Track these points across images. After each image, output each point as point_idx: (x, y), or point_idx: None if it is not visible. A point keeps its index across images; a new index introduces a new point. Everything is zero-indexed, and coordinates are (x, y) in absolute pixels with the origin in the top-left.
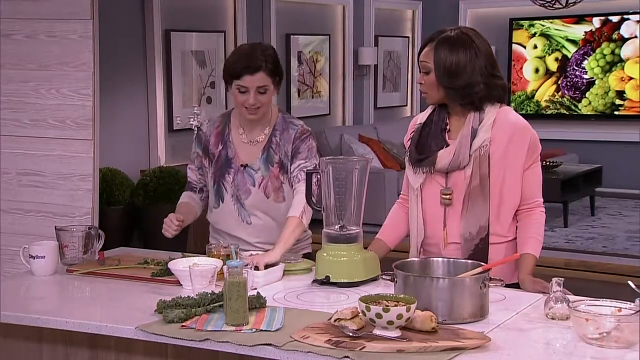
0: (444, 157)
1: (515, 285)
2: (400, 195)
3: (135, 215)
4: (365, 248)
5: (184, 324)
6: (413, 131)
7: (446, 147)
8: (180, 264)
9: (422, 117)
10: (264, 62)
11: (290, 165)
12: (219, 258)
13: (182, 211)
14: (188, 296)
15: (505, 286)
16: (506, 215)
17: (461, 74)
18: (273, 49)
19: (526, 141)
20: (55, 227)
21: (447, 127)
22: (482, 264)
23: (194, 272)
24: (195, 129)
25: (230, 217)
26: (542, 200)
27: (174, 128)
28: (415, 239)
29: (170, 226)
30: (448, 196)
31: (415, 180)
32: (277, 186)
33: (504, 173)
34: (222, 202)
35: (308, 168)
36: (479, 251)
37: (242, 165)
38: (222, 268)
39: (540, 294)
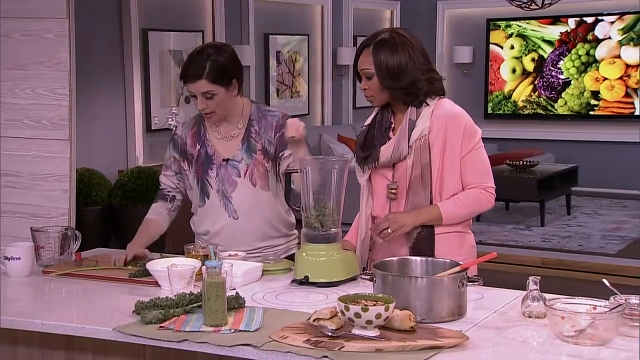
0: (386, 151)
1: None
2: None
3: (113, 215)
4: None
5: (162, 324)
6: (359, 134)
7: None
8: (159, 265)
9: (368, 120)
10: (206, 69)
11: (281, 153)
12: (197, 258)
13: (148, 232)
14: (166, 297)
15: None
16: None
17: (404, 74)
18: (225, 52)
19: (461, 128)
20: (31, 228)
21: (392, 126)
22: (460, 262)
23: (172, 273)
24: (174, 128)
25: (216, 213)
26: (489, 185)
27: (152, 128)
28: (362, 235)
29: (120, 262)
30: (393, 191)
31: (362, 177)
32: (262, 172)
33: (443, 161)
34: (208, 198)
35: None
36: (422, 239)
37: (224, 160)
38: (200, 268)
39: (519, 293)
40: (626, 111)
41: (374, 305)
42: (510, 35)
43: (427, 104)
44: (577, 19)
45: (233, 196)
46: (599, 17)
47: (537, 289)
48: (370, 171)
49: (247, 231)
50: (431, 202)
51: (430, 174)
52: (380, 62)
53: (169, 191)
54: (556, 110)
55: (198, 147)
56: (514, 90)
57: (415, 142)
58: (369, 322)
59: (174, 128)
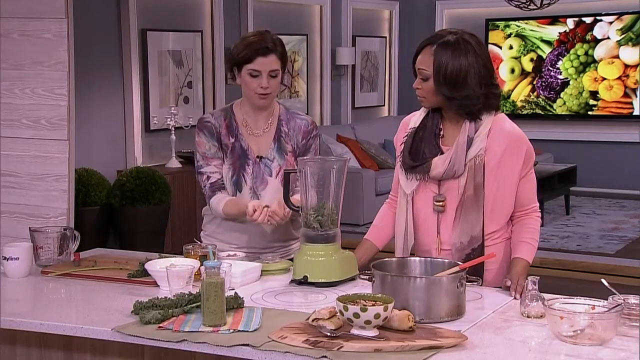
0: (438, 165)
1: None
2: (390, 196)
3: (112, 215)
4: (352, 248)
5: (160, 325)
6: (406, 135)
7: (440, 154)
8: (157, 265)
9: (415, 120)
10: (275, 45)
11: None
12: (196, 258)
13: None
14: (165, 297)
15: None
16: (499, 220)
17: (462, 84)
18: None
19: (522, 151)
20: (29, 228)
21: (441, 133)
22: (459, 263)
23: (171, 273)
24: (172, 128)
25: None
26: (537, 205)
27: (151, 128)
28: (402, 242)
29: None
30: (441, 203)
31: (408, 186)
32: (293, 174)
33: (499, 182)
34: (240, 192)
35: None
36: (475, 255)
37: (258, 157)
38: (199, 268)
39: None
40: (625, 111)
41: (373, 305)
42: (509, 36)
43: (480, 119)
44: (576, 19)
45: (263, 194)
46: (598, 17)
47: (535, 289)
48: (418, 182)
49: (271, 230)
50: (483, 221)
51: (484, 194)
52: (440, 65)
53: (222, 181)
54: (555, 110)
55: (232, 139)
56: (512, 90)
57: (471, 161)
58: (368, 322)
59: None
